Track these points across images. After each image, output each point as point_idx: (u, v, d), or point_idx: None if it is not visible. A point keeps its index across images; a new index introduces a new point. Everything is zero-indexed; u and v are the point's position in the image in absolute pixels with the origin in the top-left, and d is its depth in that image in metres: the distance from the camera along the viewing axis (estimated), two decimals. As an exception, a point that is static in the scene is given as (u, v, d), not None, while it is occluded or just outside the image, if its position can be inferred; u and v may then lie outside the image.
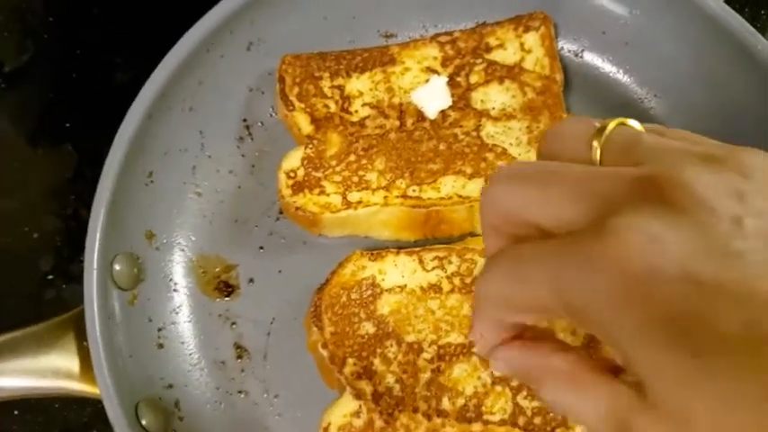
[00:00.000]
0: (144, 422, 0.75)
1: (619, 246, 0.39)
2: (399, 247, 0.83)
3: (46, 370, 0.74)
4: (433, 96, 0.85)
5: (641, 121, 0.87)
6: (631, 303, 0.38)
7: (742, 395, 0.36)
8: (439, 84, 0.86)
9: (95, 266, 0.77)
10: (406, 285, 0.80)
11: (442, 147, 0.85)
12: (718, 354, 0.36)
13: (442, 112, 0.86)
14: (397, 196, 0.83)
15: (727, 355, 0.36)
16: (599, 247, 0.39)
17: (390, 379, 0.77)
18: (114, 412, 0.73)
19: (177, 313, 0.84)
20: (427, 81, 0.87)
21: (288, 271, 0.85)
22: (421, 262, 0.81)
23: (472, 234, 0.85)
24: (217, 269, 0.86)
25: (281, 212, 0.87)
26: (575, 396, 0.45)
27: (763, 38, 0.82)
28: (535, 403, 0.75)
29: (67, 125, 1.01)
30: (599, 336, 0.41)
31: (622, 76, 0.90)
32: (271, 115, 0.91)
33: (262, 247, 0.87)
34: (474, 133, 0.85)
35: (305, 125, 0.86)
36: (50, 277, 0.94)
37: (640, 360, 0.39)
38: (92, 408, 0.87)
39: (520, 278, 0.44)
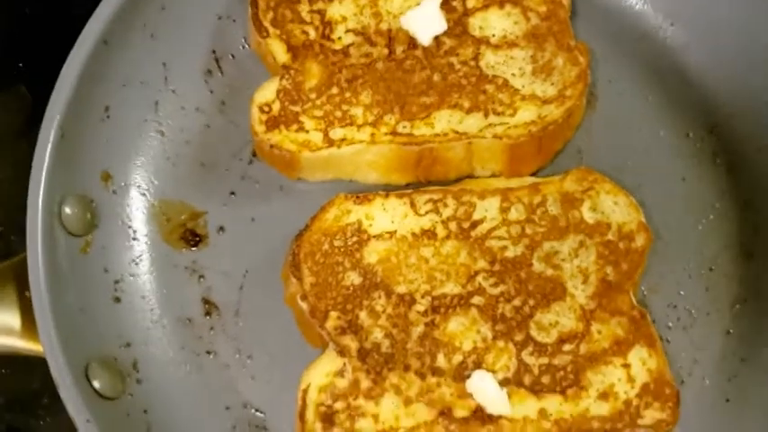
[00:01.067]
0: (96, 385, 0.67)
1: None
2: (389, 191, 0.74)
3: (-21, 325, 0.65)
4: (425, 20, 0.76)
5: (656, 52, 0.79)
6: None
7: None
8: (432, 6, 0.76)
9: (40, 207, 0.68)
10: (396, 231, 0.71)
11: (436, 78, 0.76)
12: None
13: (437, 38, 0.77)
14: (386, 133, 0.74)
15: None
16: None
17: (378, 334, 0.68)
18: (60, 372, 0.64)
19: (137, 264, 0.75)
20: (419, 4, 0.77)
21: (262, 219, 0.77)
22: (413, 205, 0.72)
23: (471, 176, 0.76)
24: (182, 216, 0.77)
25: (254, 154, 0.78)
26: None
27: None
28: (543, 360, 0.67)
29: (20, 65, 0.92)
30: None
31: (636, 2, 0.81)
32: (243, 47, 0.81)
33: (233, 193, 0.77)
34: (472, 63, 0.76)
35: (280, 54, 0.77)
36: (0, 229, 0.85)
37: None
38: (43, 370, 0.78)
39: None
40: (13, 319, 0.67)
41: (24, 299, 0.67)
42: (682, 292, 0.73)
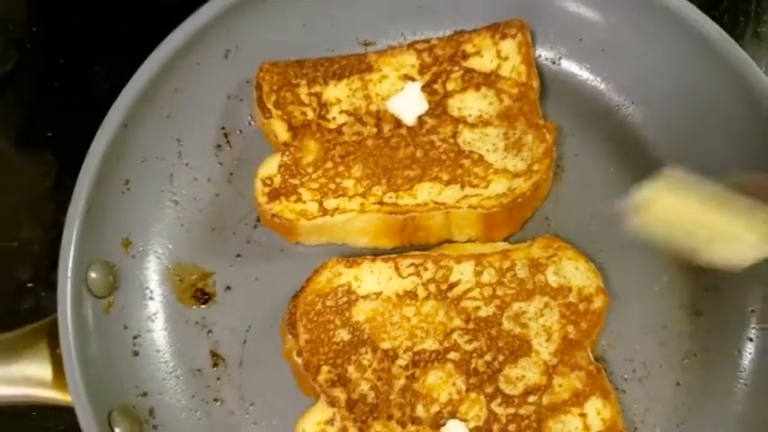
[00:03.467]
0: (117, 431, 0.75)
1: None
2: (376, 254, 0.83)
3: (17, 378, 0.74)
4: (408, 103, 0.85)
5: (618, 128, 0.87)
6: None
7: None
8: (413, 90, 0.86)
9: (70, 274, 0.77)
10: (381, 292, 0.80)
11: (418, 153, 0.85)
12: None
13: (420, 118, 0.86)
14: (374, 203, 0.83)
15: None
16: None
17: (365, 386, 0.76)
18: (86, 421, 0.73)
19: (153, 321, 0.84)
20: (403, 88, 0.87)
21: (265, 278, 0.85)
22: (397, 269, 0.81)
23: (449, 241, 0.85)
24: (193, 277, 0.86)
25: (258, 220, 0.87)
26: None
27: (740, 45, 0.82)
28: (510, 410, 0.75)
29: (49, 134, 1.01)
30: None
31: (599, 84, 0.90)
32: (249, 123, 0.90)
33: (239, 255, 0.86)
34: (451, 140, 0.85)
35: (282, 132, 0.86)
36: (29, 285, 0.94)
37: None
38: (69, 416, 0.86)
39: None
40: (45, 372, 0.75)
41: (55, 354, 0.75)
42: (637, 347, 0.81)
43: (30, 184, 1.00)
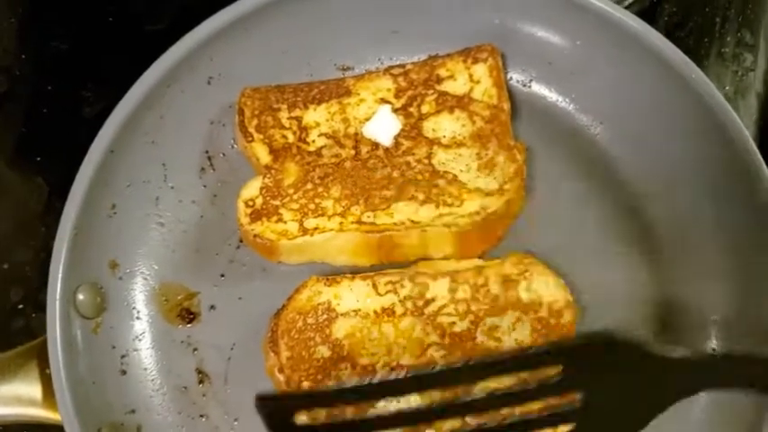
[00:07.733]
0: (106, 448, 0.78)
1: None
2: (355, 272, 0.86)
3: (8, 397, 0.77)
4: (382, 126, 0.89)
5: (587, 147, 0.91)
6: None
7: None
8: (385, 113, 0.89)
9: (58, 296, 0.80)
10: (360, 309, 0.83)
11: (395, 174, 0.88)
12: None
13: (396, 140, 0.89)
14: (353, 222, 0.86)
15: None
16: None
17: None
18: (75, 438, 0.75)
19: (140, 340, 0.86)
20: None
21: (248, 297, 0.88)
22: (375, 286, 0.84)
23: (425, 258, 0.88)
24: (179, 297, 0.88)
25: (241, 241, 0.90)
26: None
27: (705, 65, 0.86)
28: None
29: (38, 159, 1.05)
30: None
31: (568, 105, 0.93)
32: (232, 146, 0.94)
33: (223, 275, 0.89)
34: (426, 161, 0.89)
35: (263, 155, 0.89)
36: (20, 307, 0.97)
37: None
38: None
39: None
40: (35, 391, 0.78)
41: (45, 374, 0.78)
42: (607, 359, 0.84)
43: (21, 207, 1.03)
